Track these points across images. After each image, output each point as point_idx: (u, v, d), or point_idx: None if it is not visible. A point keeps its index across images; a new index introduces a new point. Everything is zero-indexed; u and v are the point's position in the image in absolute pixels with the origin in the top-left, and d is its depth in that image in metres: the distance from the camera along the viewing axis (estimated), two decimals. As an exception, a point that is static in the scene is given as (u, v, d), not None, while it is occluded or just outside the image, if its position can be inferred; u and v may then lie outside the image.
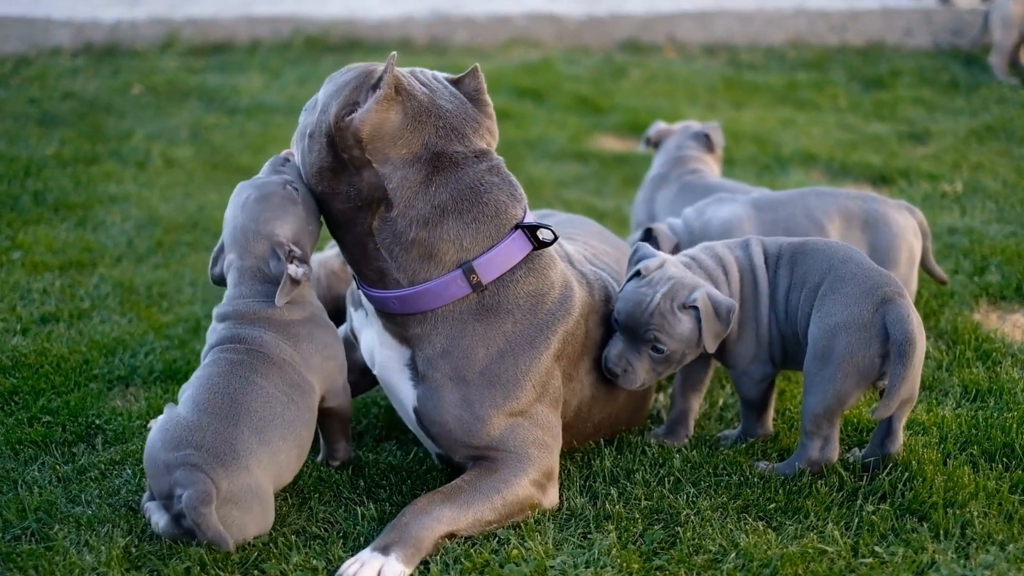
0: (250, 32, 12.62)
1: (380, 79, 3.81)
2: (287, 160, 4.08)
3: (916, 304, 5.50)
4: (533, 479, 3.89)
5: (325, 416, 4.09)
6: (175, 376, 4.88)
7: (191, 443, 3.57)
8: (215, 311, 3.92)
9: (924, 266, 5.35)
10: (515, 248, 3.96)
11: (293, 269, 3.81)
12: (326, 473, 4.14)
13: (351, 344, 4.42)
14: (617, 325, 4.12)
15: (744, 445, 4.31)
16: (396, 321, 3.96)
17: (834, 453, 4.07)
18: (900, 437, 4.14)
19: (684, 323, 4.02)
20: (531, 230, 4.00)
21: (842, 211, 5.16)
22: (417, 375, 3.96)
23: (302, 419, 3.81)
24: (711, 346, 4.02)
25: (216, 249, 4.04)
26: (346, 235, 3.96)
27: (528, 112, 10.21)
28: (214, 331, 3.90)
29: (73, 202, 7.34)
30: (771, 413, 4.39)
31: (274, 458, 3.69)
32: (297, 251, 3.86)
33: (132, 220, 7.11)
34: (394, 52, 3.86)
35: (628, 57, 12.46)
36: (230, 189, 7.54)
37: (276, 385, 3.77)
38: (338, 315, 4.83)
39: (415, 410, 3.99)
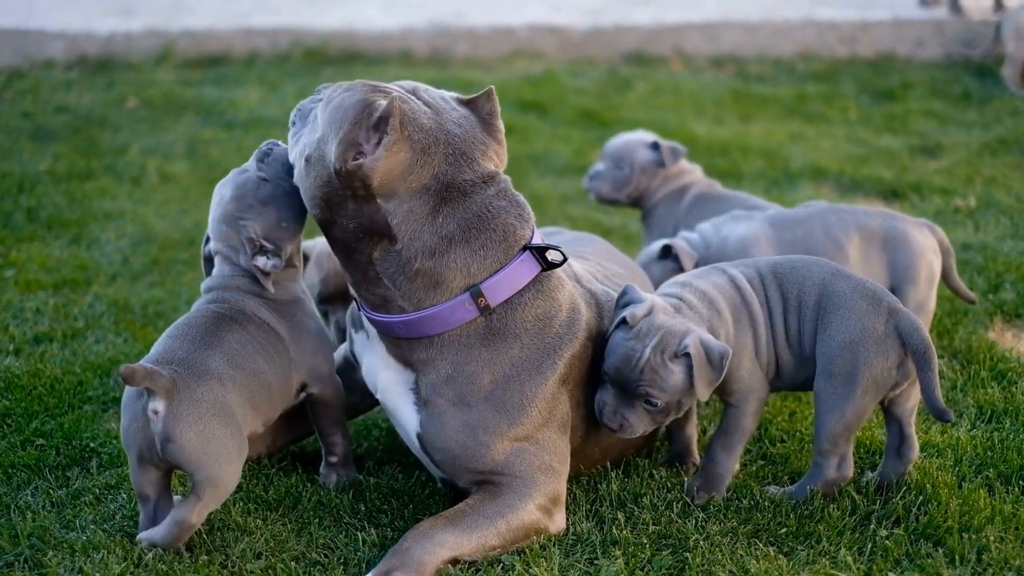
0: (248, 44, 12.63)
1: (383, 118, 3.70)
2: (270, 151, 4.09)
3: (931, 322, 5.49)
4: (539, 504, 3.88)
5: (314, 407, 4.21)
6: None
7: (163, 361, 3.74)
8: (202, 285, 4.12)
9: (948, 284, 5.33)
10: (523, 270, 3.94)
11: (262, 262, 3.97)
12: (326, 497, 4.12)
13: (351, 365, 4.41)
14: (607, 377, 4.04)
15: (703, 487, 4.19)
16: (400, 345, 3.94)
17: (850, 471, 4.06)
18: (916, 442, 4.16)
19: (676, 374, 3.92)
20: (540, 251, 3.99)
21: (861, 229, 5.16)
22: (420, 399, 3.94)
23: (275, 374, 4.00)
24: (703, 394, 3.91)
25: (207, 232, 4.17)
26: (346, 259, 3.94)
27: (531, 126, 10.21)
28: (197, 302, 4.08)
29: (67, 219, 7.35)
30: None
31: (246, 388, 3.87)
32: (268, 246, 3.98)
33: (127, 237, 7.11)
34: (397, 92, 3.85)
35: (633, 69, 12.46)
36: (227, 205, 7.57)
37: (253, 335, 3.98)
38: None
39: (418, 435, 3.97)
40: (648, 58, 12.91)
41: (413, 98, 3.89)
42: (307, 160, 3.84)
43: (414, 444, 4.04)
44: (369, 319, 3.99)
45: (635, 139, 6.25)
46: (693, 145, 9.58)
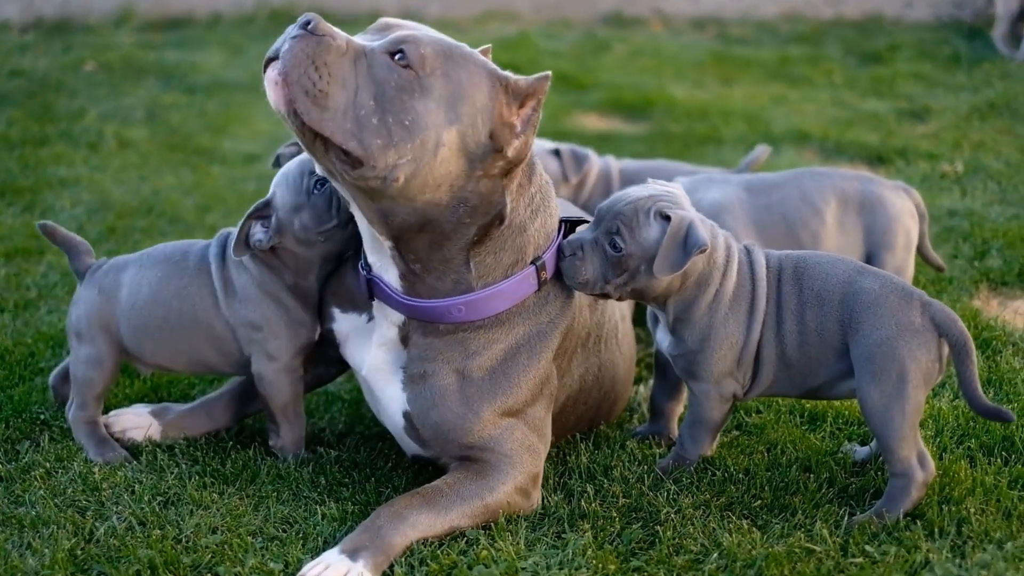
0: (210, 5, 12.62)
1: (530, 95, 3.60)
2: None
3: (912, 289, 5.51)
4: (518, 485, 3.87)
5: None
6: (126, 369, 4.84)
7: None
8: None
9: (920, 252, 5.35)
10: (557, 242, 3.96)
11: (257, 228, 4.08)
12: (285, 470, 4.12)
13: (324, 340, 4.38)
14: (596, 214, 3.99)
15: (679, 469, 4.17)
16: (433, 329, 3.87)
17: (932, 463, 3.89)
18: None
19: (651, 230, 3.84)
20: (571, 225, 4.02)
21: (838, 193, 5.17)
22: (407, 376, 3.92)
23: (188, 323, 4.25)
24: (660, 268, 3.81)
25: None
26: (429, 251, 3.75)
27: (505, 90, 10.18)
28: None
29: (21, 186, 7.33)
30: (718, 437, 4.26)
31: (141, 315, 4.26)
32: (273, 223, 4.05)
33: (83, 205, 7.09)
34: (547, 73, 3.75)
35: (612, 31, 12.48)
36: (187, 171, 7.59)
37: (191, 280, 4.25)
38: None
39: (405, 413, 3.95)
40: (627, 19, 12.93)
41: None
42: (443, 145, 3.54)
43: (397, 423, 4.01)
44: (411, 306, 3.84)
45: (537, 149, 5.88)
46: (672, 109, 9.62)
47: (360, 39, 3.58)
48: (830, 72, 10.97)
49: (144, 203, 7.14)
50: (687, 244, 3.81)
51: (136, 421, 4.37)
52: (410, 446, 4.07)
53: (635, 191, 3.96)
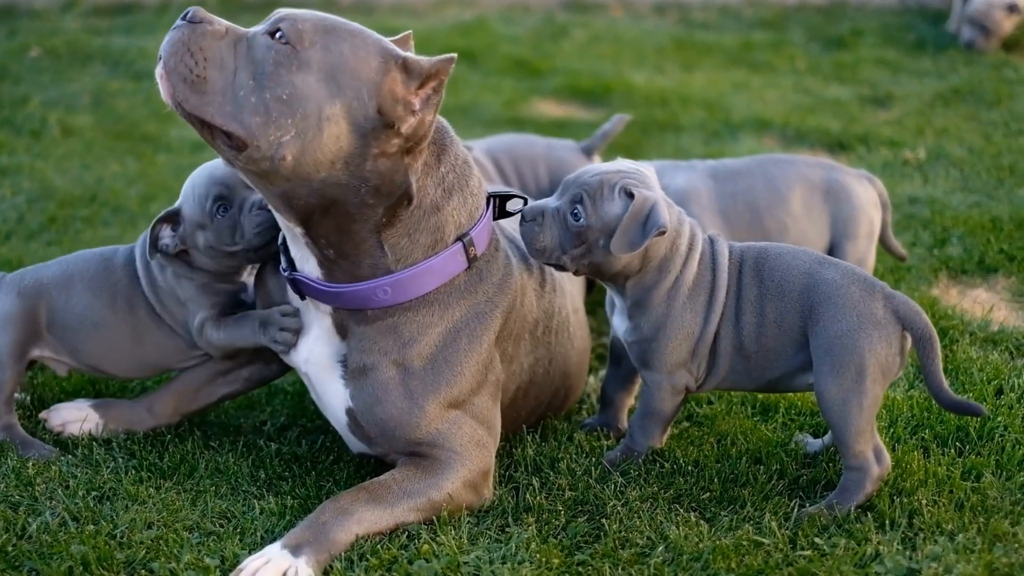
0: (160, -11, 12.53)
1: (432, 73, 3.58)
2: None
3: (871, 278, 5.54)
4: (467, 480, 3.87)
5: None
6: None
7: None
8: None
9: (882, 241, 5.37)
10: (489, 219, 3.98)
11: (166, 233, 4.18)
12: (224, 464, 4.11)
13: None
14: (562, 185, 4.01)
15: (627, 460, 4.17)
16: (363, 315, 3.88)
17: (888, 457, 3.89)
18: None
19: (614, 205, 3.86)
20: (502, 200, 4.04)
21: (803, 180, 5.20)
22: (348, 371, 3.91)
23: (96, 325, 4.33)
24: (617, 246, 3.82)
25: None
26: (340, 236, 3.75)
27: (460, 76, 10.17)
28: None
29: (-41, 174, 7.29)
30: (669, 429, 4.26)
31: (54, 312, 4.33)
32: (181, 230, 4.15)
33: (24, 193, 7.06)
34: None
35: (571, 16, 12.47)
36: (132, 160, 7.56)
37: (112, 284, 4.33)
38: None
39: (348, 410, 3.94)
40: (587, 4, 12.94)
41: None
42: (328, 119, 3.56)
43: (341, 420, 4.00)
44: (335, 293, 3.84)
45: None
46: (630, 95, 9.63)
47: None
48: (793, 58, 11.00)
49: (87, 192, 7.11)
50: (647, 224, 3.82)
51: (75, 415, 4.36)
52: (356, 444, 4.07)
53: (605, 165, 3.99)
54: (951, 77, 10.06)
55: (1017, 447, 4.15)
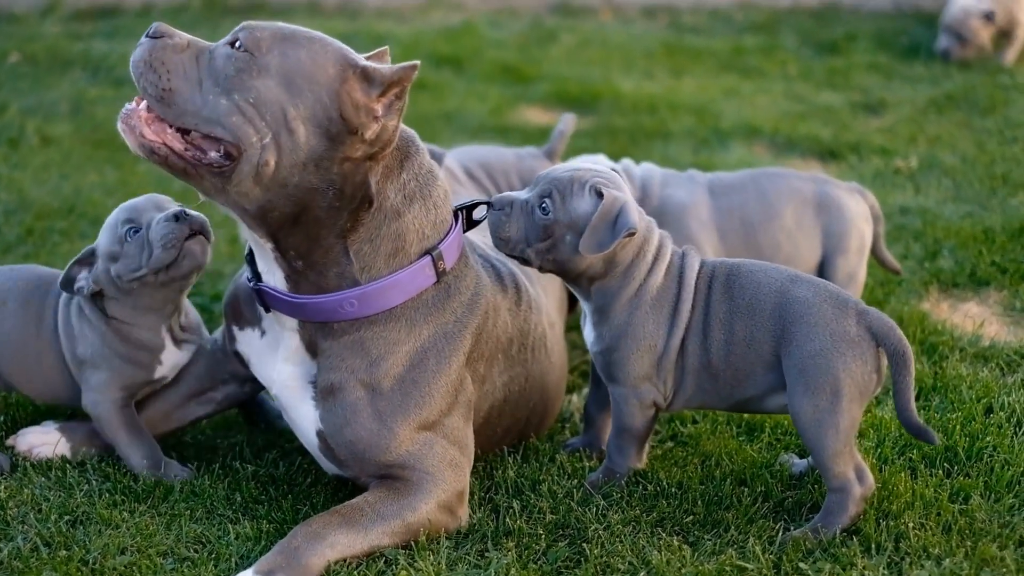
0: (141, -7, 12.52)
1: (395, 81, 3.65)
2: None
3: (861, 293, 5.53)
4: (441, 502, 3.87)
5: None
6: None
7: None
8: None
9: (875, 254, 5.38)
10: (458, 233, 4.02)
11: (82, 276, 4.24)
12: (200, 487, 4.10)
13: (226, 356, 4.40)
14: (535, 179, 4.05)
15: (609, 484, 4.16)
16: (330, 330, 3.89)
17: (871, 477, 3.89)
18: None
19: (583, 202, 3.89)
20: (468, 210, 4.08)
21: (795, 194, 5.22)
22: (318, 392, 3.92)
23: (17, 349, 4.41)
24: (586, 246, 3.84)
25: None
26: (309, 243, 3.79)
27: (446, 82, 10.19)
28: None
29: (-67, 186, 7.27)
30: (647, 448, 4.24)
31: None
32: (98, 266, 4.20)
33: (0, 205, 7.04)
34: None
35: (559, 20, 12.48)
36: (111, 169, 7.53)
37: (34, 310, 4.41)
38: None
39: (319, 432, 3.94)
40: (575, 8, 12.94)
41: None
42: (294, 121, 3.63)
43: (312, 442, 4.01)
44: (300, 304, 3.87)
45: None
46: (619, 102, 9.63)
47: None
48: (784, 63, 11.00)
49: (65, 203, 7.09)
50: (616, 225, 3.85)
51: (43, 438, 4.34)
52: (328, 466, 4.06)
53: (578, 163, 4.05)
54: (945, 83, 10.06)
55: (1006, 468, 4.15)
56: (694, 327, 3.99)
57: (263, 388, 4.37)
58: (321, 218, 3.73)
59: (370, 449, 3.85)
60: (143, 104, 3.67)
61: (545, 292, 4.66)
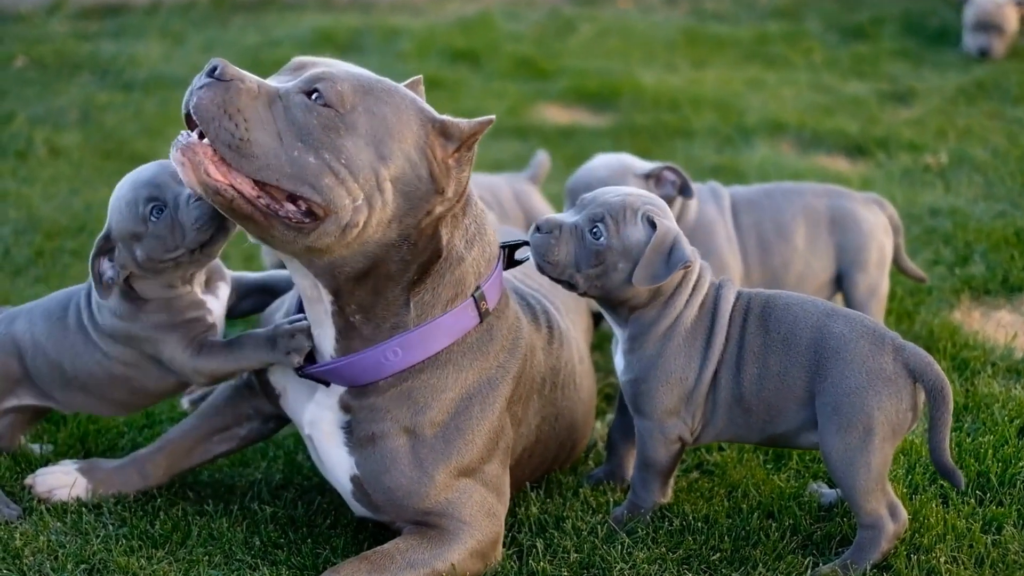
0: (149, -10, 12.53)
1: (470, 134, 3.65)
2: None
3: (890, 302, 5.55)
4: (475, 550, 3.87)
5: None
6: (52, 417, 4.84)
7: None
8: None
9: (898, 265, 5.40)
10: (500, 271, 4.00)
11: (106, 265, 4.07)
12: (217, 530, 4.12)
13: (258, 393, 4.39)
14: (578, 199, 4.07)
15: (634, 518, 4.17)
16: (374, 387, 3.86)
17: (904, 512, 3.90)
18: None
19: (636, 231, 3.91)
20: (511, 249, 4.07)
21: (807, 211, 5.24)
22: (353, 439, 3.90)
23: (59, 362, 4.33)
24: (640, 278, 3.88)
25: None
26: (374, 299, 3.76)
27: (462, 79, 10.21)
28: None
29: (-60, 204, 7.31)
30: (672, 482, 4.25)
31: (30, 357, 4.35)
32: (124, 256, 4.03)
33: (10, 224, 7.09)
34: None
35: (578, 9, 12.48)
36: (121, 183, 7.52)
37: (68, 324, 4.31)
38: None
39: (354, 478, 3.93)
40: (594, -5, 12.92)
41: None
42: (385, 182, 3.59)
43: (344, 487, 3.99)
44: (342, 370, 3.83)
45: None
46: (640, 98, 9.65)
47: (273, 81, 3.62)
48: (810, 51, 11.00)
49: (75, 221, 7.11)
50: (671, 258, 3.89)
51: (63, 480, 4.32)
52: (358, 508, 4.05)
53: (625, 189, 4.06)
54: (975, 70, 10.06)
55: (1039, 495, 4.17)
56: (727, 360, 3.99)
57: (286, 424, 4.37)
58: (392, 273, 3.70)
59: (408, 496, 3.83)
60: (178, 151, 3.48)
61: (574, 324, 4.67)
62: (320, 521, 4.22)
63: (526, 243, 4.08)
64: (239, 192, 3.47)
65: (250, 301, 4.49)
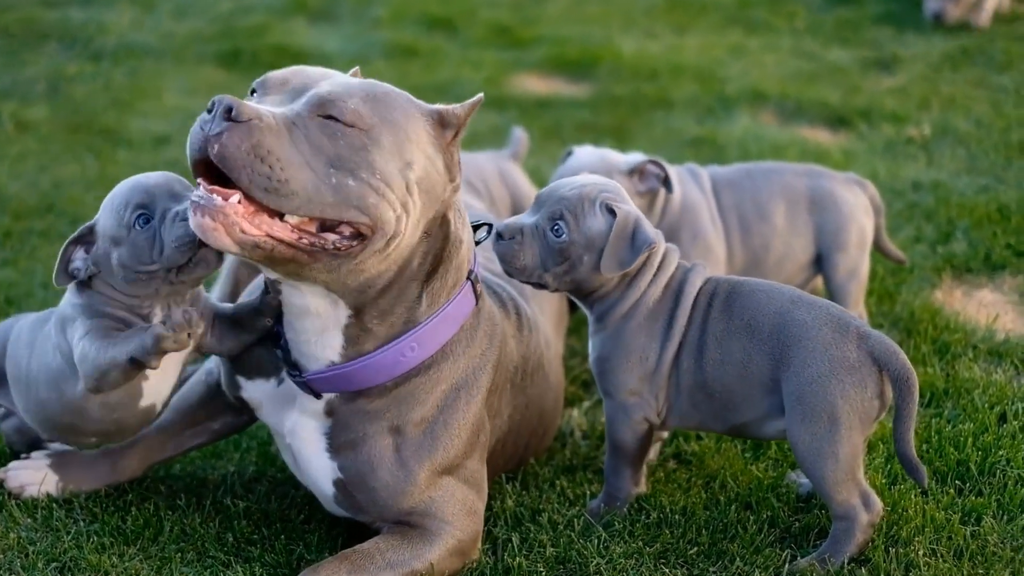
0: (118, -46, 12.46)
1: (452, 118, 3.70)
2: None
3: (871, 283, 5.58)
4: (454, 549, 3.90)
5: None
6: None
7: None
8: None
9: (878, 246, 5.43)
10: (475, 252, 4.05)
11: (79, 255, 3.94)
12: (190, 525, 4.14)
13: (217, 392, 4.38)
14: (539, 197, 4.10)
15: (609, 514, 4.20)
16: (376, 390, 3.86)
17: (879, 502, 3.91)
18: None
19: (596, 221, 3.96)
20: (475, 229, 4.11)
21: (787, 191, 5.26)
22: (336, 443, 3.90)
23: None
24: (607, 266, 3.94)
25: None
26: (394, 302, 3.76)
27: (438, 48, 10.22)
28: None
29: (-96, 185, 7.30)
30: (644, 470, 4.31)
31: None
32: (99, 248, 3.90)
33: (-26, 204, 7.06)
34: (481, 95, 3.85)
35: (555, -28, 12.44)
36: (91, 158, 7.55)
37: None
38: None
39: (337, 482, 3.93)
40: (574, -45, 12.90)
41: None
42: (414, 188, 3.60)
43: (326, 492, 3.99)
44: (347, 375, 3.81)
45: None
46: (618, 67, 9.63)
47: (269, 105, 3.53)
48: (793, 15, 11.00)
49: (43, 200, 7.09)
50: (635, 242, 3.94)
51: (34, 476, 4.31)
52: (338, 511, 4.06)
53: (578, 179, 4.07)
54: (960, 35, 10.07)
55: (1019, 485, 4.22)
56: (689, 343, 4.03)
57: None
58: (415, 271, 3.74)
59: (393, 496, 3.85)
60: (235, 197, 3.36)
61: (541, 310, 4.71)
62: (294, 516, 4.25)
63: (487, 225, 4.12)
64: (278, 240, 3.43)
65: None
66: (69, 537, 4.05)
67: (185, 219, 3.64)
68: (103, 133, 8.28)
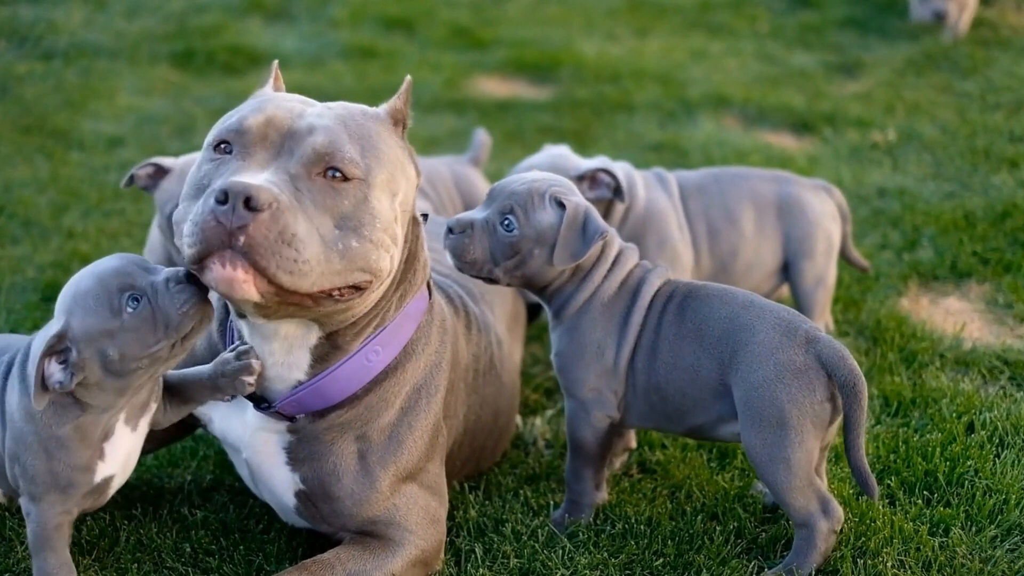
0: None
1: (402, 112, 3.75)
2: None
3: (837, 290, 5.60)
4: (417, 559, 3.88)
5: None
6: None
7: None
8: None
9: (843, 253, 5.46)
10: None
11: (55, 369, 3.61)
12: (147, 536, 4.13)
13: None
14: (487, 195, 4.14)
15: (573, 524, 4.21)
16: (348, 402, 3.83)
17: (839, 508, 3.91)
18: (823, 462, 4.13)
19: (546, 214, 4.01)
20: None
21: (755, 196, 5.27)
22: (297, 455, 3.86)
23: None
24: (560, 258, 3.98)
25: None
26: (370, 318, 3.76)
27: (397, 49, 10.21)
28: None
29: None
30: (605, 475, 4.32)
31: None
32: (75, 356, 3.59)
33: (-77, 209, 7.01)
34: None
35: (516, -28, 12.45)
36: (42, 160, 7.50)
37: None
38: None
39: (299, 493, 3.90)
40: (532, -41, 12.91)
41: None
42: (402, 212, 3.64)
43: (286, 505, 3.96)
44: (321, 388, 3.76)
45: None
46: (580, 70, 9.64)
47: (268, 171, 3.44)
48: (755, 19, 11.04)
49: (-10, 204, 7.06)
50: (586, 233, 3.99)
51: None
52: (299, 522, 4.04)
53: (527, 175, 4.13)
54: (924, 39, 10.12)
55: (987, 495, 4.24)
56: (644, 345, 4.07)
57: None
58: (394, 282, 3.77)
59: (356, 505, 3.83)
60: (239, 269, 3.29)
61: (491, 309, 4.71)
62: (253, 526, 4.23)
63: (423, 215, 4.09)
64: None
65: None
66: (23, 548, 4.03)
67: (181, 281, 3.55)
68: (55, 134, 8.24)
